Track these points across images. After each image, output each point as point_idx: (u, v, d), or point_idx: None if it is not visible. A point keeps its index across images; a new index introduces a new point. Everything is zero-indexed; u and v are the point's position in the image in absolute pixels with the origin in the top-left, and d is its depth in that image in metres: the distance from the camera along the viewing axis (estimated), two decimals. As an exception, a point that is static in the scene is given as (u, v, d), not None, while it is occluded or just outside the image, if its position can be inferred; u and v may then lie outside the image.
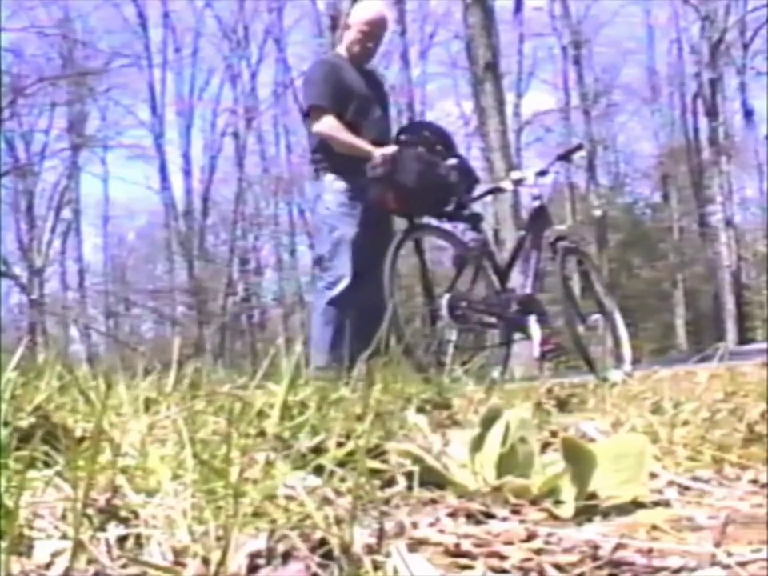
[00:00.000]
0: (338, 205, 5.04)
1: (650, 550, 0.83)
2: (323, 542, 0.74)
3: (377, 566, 0.74)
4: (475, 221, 5.33)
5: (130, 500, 0.88)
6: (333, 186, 5.06)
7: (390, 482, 1.11)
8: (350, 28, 5.26)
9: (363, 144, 4.98)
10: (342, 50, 5.30)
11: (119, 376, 1.77)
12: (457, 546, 0.84)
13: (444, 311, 4.75)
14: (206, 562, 0.73)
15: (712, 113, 28.80)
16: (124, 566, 0.75)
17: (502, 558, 0.82)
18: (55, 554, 0.76)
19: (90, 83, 28.04)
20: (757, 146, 29.18)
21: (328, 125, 5.00)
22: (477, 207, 5.74)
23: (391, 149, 4.93)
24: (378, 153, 4.91)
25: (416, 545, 0.85)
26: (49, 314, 29.36)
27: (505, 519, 0.99)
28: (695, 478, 1.23)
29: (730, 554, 0.80)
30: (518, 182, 5.69)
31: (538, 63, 31.27)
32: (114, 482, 0.91)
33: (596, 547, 0.83)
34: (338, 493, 0.98)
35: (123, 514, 0.86)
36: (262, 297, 33.14)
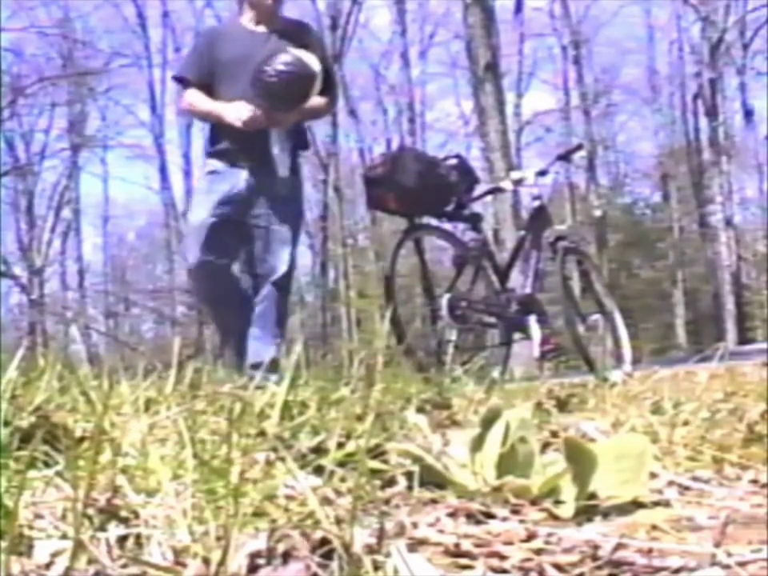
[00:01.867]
0: (199, 190, 4.72)
1: (650, 550, 0.83)
2: (323, 541, 0.74)
3: (377, 566, 0.74)
4: (475, 221, 5.33)
5: (130, 500, 0.88)
6: (204, 169, 4.68)
7: (390, 482, 1.11)
8: None
9: (217, 107, 4.47)
10: (245, 16, 4.69)
11: (120, 376, 1.77)
12: (457, 546, 0.84)
13: (444, 311, 4.75)
14: (206, 561, 0.73)
15: (712, 113, 28.81)
16: (124, 566, 0.75)
17: (502, 557, 0.82)
18: (55, 554, 0.76)
19: (90, 83, 28.05)
20: (757, 146, 29.20)
21: (188, 99, 4.62)
22: (477, 207, 5.75)
23: (235, 106, 4.36)
24: (227, 112, 4.38)
25: (416, 545, 0.85)
26: (49, 314, 29.37)
27: (505, 519, 0.99)
28: (695, 478, 1.23)
29: (729, 554, 0.80)
30: (518, 182, 5.69)
31: (538, 63, 31.33)
32: (115, 482, 0.91)
33: (596, 547, 0.83)
34: (339, 493, 0.98)
35: (123, 514, 0.86)
36: (261, 297, 33.08)
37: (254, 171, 4.44)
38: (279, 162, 4.43)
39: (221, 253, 4.40)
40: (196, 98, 4.56)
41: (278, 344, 4.35)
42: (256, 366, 3.93)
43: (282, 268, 4.45)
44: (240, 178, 4.44)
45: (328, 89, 4.55)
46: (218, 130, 4.52)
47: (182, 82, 4.68)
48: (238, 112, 4.35)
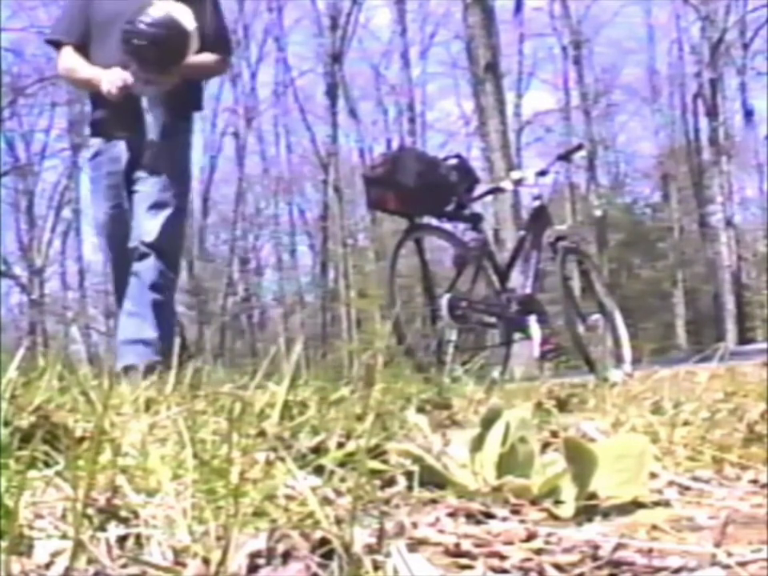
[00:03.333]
0: (90, 180, 4.13)
1: (650, 550, 0.83)
2: (323, 541, 0.74)
3: (377, 566, 0.74)
4: (475, 221, 5.34)
5: (130, 500, 0.88)
6: (88, 153, 4.16)
7: (390, 482, 1.11)
8: None
9: (92, 72, 3.96)
10: None
11: (120, 376, 1.77)
12: (457, 545, 0.84)
13: (444, 311, 4.76)
14: (206, 561, 0.73)
15: (712, 113, 28.82)
16: (124, 566, 0.75)
17: (502, 557, 0.82)
18: (55, 554, 0.76)
19: (90, 83, 27.99)
20: (757, 146, 29.23)
21: (64, 63, 4.10)
22: (477, 207, 5.75)
23: (109, 74, 3.88)
24: (101, 80, 3.88)
25: (416, 545, 0.85)
26: (49, 314, 29.37)
27: (505, 519, 0.99)
28: (695, 478, 1.23)
29: (730, 554, 0.80)
30: (518, 182, 5.70)
31: (538, 63, 31.37)
32: (115, 482, 0.91)
33: (596, 547, 0.83)
34: (339, 493, 0.98)
35: (123, 513, 0.86)
36: (261, 297, 33.19)
37: (130, 143, 3.97)
38: (150, 127, 3.92)
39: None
40: (74, 63, 4.06)
41: (158, 317, 3.80)
42: (127, 342, 3.62)
43: (154, 231, 3.84)
44: (120, 155, 3.98)
45: (219, 46, 4.16)
46: (96, 98, 4.07)
47: (56, 44, 4.17)
48: (108, 82, 3.87)
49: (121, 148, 3.97)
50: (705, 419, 1.56)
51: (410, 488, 1.09)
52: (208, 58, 4.08)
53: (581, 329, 5.18)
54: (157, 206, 3.86)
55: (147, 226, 3.83)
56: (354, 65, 30.68)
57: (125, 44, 3.87)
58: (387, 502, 1.05)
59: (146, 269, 3.80)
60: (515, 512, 1.02)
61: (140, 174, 3.91)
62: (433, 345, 4.83)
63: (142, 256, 3.81)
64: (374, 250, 28.10)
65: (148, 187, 3.89)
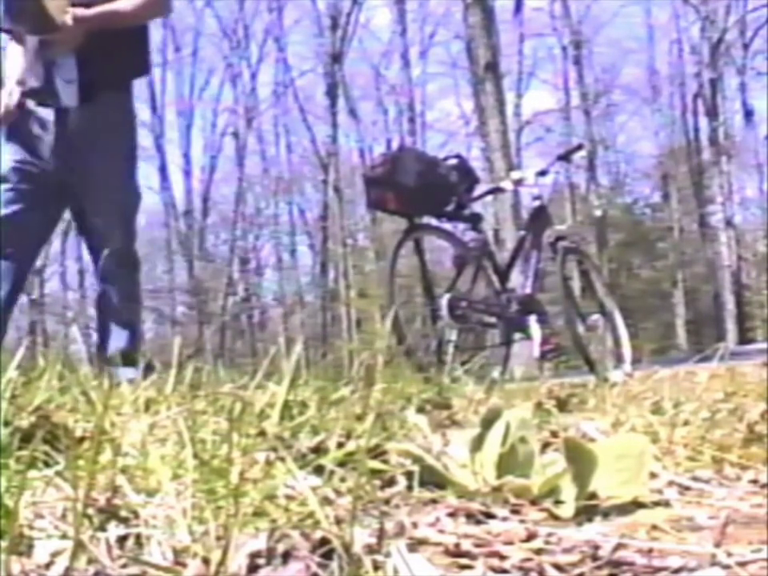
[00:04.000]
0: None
1: (650, 550, 0.83)
2: (323, 541, 0.74)
3: (377, 566, 0.74)
4: (475, 221, 5.34)
5: (130, 500, 0.88)
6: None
7: (390, 482, 1.11)
8: None
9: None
10: None
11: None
12: (457, 546, 0.84)
13: (444, 311, 4.75)
14: (206, 561, 0.73)
15: (712, 113, 28.82)
16: (124, 566, 0.75)
17: (502, 557, 0.82)
18: (55, 554, 0.76)
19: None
20: (757, 146, 29.23)
21: (8, 52, 3.85)
22: (477, 207, 5.75)
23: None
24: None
25: (416, 545, 0.85)
26: (49, 314, 29.36)
27: (505, 519, 0.99)
28: (695, 478, 1.23)
29: (730, 554, 0.79)
30: (518, 182, 5.70)
31: (538, 63, 31.38)
32: (115, 482, 0.91)
33: (596, 547, 0.83)
34: (339, 493, 0.98)
35: (123, 513, 0.86)
36: (262, 297, 33.22)
37: (60, 114, 3.61)
38: (64, 94, 3.56)
39: (20, 204, 3.59)
40: (9, 53, 3.79)
41: (131, 332, 3.62)
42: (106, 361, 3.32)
43: (115, 238, 3.57)
44: (48, 119, 3.62)
45: None
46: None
47: (8, 32, 3.88)
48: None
49: (50, 117, 3.62)
50: (705, 419, 1.56)
51: (410, 488, 1.09)
52: (124, 3, 3.62)
53: (581, 329, 5.18)
54: (112, 203, 3.57)
55: (108, 233, 3.57)
56: (354, 65, 30.72)
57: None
58: (387, 502, 1.05)
59: (113, 283, 3.61)
60: (515, 512, 1.02)
61: (80, 157, 3.57)
62: (433, 345, 4.82)
63: (107, 271, 3.58)
64: (374, 250, 28.10)
65: (94, 178, 3.55)
